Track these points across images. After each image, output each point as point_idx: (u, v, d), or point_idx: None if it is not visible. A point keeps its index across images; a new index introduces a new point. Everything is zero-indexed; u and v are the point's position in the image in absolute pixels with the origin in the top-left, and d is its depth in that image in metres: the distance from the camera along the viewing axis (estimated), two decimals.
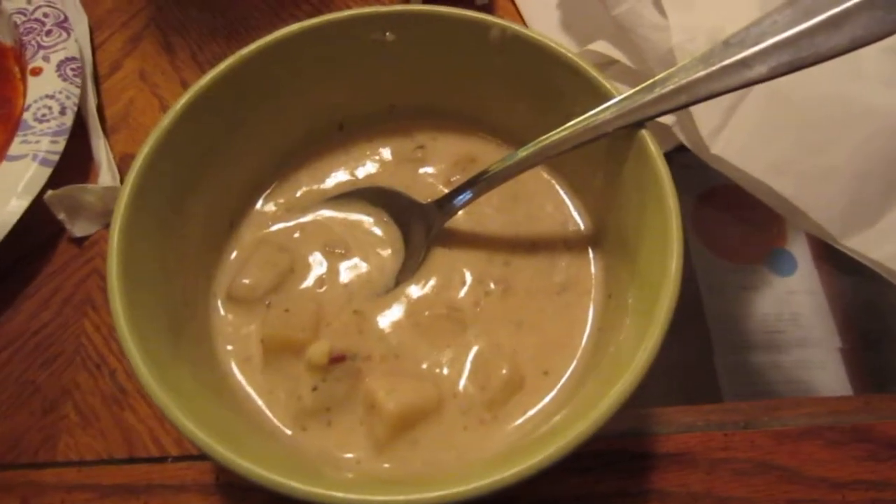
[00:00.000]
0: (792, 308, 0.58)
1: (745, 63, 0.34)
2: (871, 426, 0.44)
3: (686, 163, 0.50)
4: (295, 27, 0.40)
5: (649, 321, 0.32)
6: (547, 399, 0.38)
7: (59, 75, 0.55)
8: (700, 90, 0.35)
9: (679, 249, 0.33)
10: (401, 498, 0.28)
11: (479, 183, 0.41)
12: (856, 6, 0.32)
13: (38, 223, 0.50)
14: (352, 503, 0.28)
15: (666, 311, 0.32)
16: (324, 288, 0.41)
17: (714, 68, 0.34)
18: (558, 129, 0.38)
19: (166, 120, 0.37)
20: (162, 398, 0.30)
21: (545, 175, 0.45)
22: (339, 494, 0.28)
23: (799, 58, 0.33)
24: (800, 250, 0.59)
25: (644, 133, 0.36)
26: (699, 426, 0.44)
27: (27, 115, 0.53)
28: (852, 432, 0.44)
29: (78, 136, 0.54)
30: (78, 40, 0.58)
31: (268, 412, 0.38)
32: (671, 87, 0.35)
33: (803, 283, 0.58)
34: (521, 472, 0.29)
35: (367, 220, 0.44)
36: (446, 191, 0.44)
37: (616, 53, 0.53)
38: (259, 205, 0.45)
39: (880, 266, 0.46)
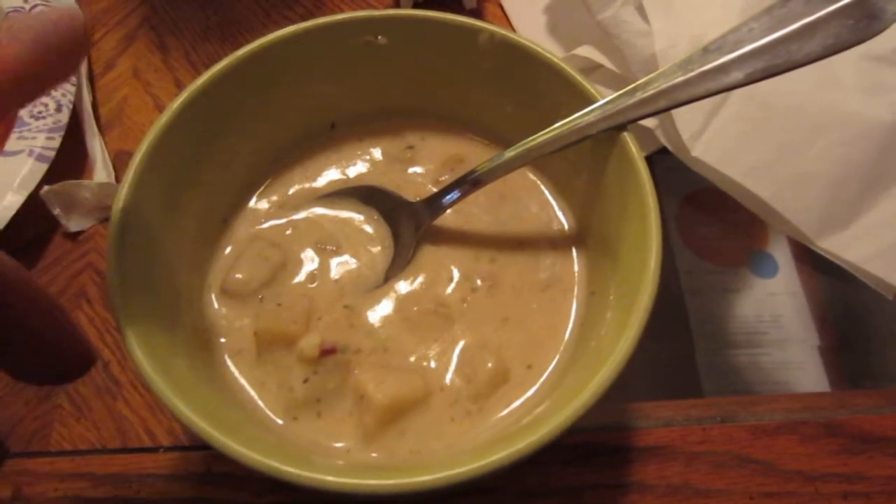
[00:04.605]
0: (772, 309, 0.59)
1: (722, 69, 0.35)
2: (844, 421, 0.45)
3: (669, 165, 0.51)
4: (289, 30, 0.41)
5: (629, 316, 0.33)
6: (531, 392, 0.39)
7: None
8: (679, 95, 0.36)
9: (658, 247, 0.34)
10: (390, 482, 0.29)
11: (467, 183, 0.42)
12: (827, 15, 0.33)
13: (34, 218, 0.51)
14: (343, 487, 0.29)
15: (645, 306, 0.33)
16: (315, 283, 0.42)
17: (693, 74, 0.36)
18: (544, 131, 0.39)
19: (164, 118, 0.38)
20: (159, 385, 0.31)
21: (531, 175, 0.46)
22: (331, 478, 0.29)
23: (774, 64, 0.34)
24: (781, 253, 0.61)
25: (626, 135, 0.38)
26: (678, 420, 0.45)
27: (23, 112, 0.53)
28: (826, 427, 0.45)
29: (73, 133, 0.55)
30: None
31: (260, 403, 0.39)
32: (652, 91, 0.37)
33: (784, 285, 0.60)
34: (504, 459, 0.30)
35: (357, 217, 0.45)
36: (435, 190, 0.45)
37: (600, 58, 0.54)
38: (252, 202, 0.45)
39: (853, 267, 0.47)
